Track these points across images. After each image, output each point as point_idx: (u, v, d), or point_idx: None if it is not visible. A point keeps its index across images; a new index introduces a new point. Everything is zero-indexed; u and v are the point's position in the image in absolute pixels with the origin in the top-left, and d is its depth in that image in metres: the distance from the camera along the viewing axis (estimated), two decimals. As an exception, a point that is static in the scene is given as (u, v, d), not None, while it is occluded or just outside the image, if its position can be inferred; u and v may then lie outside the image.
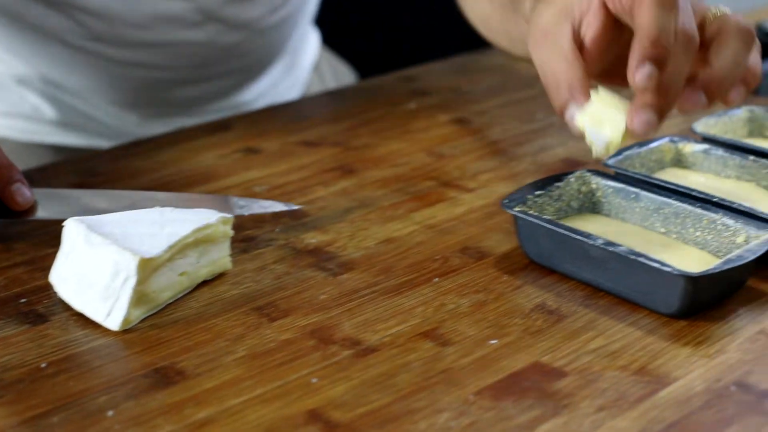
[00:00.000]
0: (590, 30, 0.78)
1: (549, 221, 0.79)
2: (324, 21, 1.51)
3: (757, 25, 1.38)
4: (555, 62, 0.78)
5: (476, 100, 1.18)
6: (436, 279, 0.81)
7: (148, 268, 0.75)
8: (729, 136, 0.97)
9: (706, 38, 0.78)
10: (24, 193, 0.86)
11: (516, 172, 0.99)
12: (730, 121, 0.98)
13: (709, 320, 0.74)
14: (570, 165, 1.00)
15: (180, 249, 0.78)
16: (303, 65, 1.44)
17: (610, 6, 0.77)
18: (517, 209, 0.81)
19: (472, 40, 1.19)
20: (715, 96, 0.76)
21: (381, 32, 1.82)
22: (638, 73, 0.72)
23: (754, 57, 0.78)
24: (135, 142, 1.10)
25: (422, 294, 0.79)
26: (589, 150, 0.77)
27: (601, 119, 0.76)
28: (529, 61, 0.84)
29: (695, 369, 0.69)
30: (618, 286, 0.76)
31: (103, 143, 1.26)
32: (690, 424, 0.64)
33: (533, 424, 0.64)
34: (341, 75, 1.53)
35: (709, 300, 0.75)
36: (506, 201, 0.81)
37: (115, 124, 1.28)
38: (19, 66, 1.22)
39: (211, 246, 0.81)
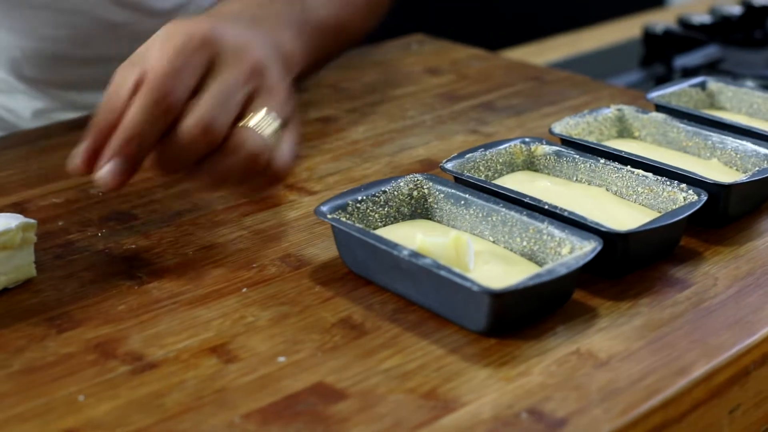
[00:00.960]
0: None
1: (359, 230, 0.74)
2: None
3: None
4: (105, 100, 0.78)
5: (351, 97, 1.13)
6: (245, 289, 0.76)
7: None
8: (594, 138, 0.92)
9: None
10: None
11: (367, 173, 0.94)
12: (595, 122, 0.92)
13: (520, 338, 0.69)
14: (427, 167, 0.95)
15: (-26, 254, 0.73)
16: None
17: None
18: (331, 216, 0.75)
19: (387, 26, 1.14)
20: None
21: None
22: (105, 167, 0.76)
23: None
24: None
25: (225, 305, 0.74)
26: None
27: None
28: None
29: (489, 393, 0.64)
30: (428, 300, 0.72)
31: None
32: (464, 455, 0.59)
33: (294, 451, 0.59)
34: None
35: (521, 316, 0.70)
36: (323, 207, 0.76)
37: (7, 116, 1.23)
38: None
39: (13, 252, 0.76)
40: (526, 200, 0.78)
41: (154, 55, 0.76)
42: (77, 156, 0.77)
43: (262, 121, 0.78)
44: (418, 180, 0.81)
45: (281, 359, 0.68)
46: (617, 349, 0.69)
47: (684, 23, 1.53)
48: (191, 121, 0.76)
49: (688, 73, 1.36)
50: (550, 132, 0.91)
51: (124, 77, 0.78)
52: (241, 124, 0.78)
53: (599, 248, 0.71)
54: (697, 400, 0.67)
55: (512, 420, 0.62)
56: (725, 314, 0.73)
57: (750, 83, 1.23)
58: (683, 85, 1.00)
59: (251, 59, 0.79)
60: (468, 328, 0.70)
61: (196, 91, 0.77)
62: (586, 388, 0.65)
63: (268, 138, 0.78)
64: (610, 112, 0.95)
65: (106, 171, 0.76)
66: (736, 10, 1.54)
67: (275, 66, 0.82)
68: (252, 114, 0.79)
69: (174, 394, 0.65)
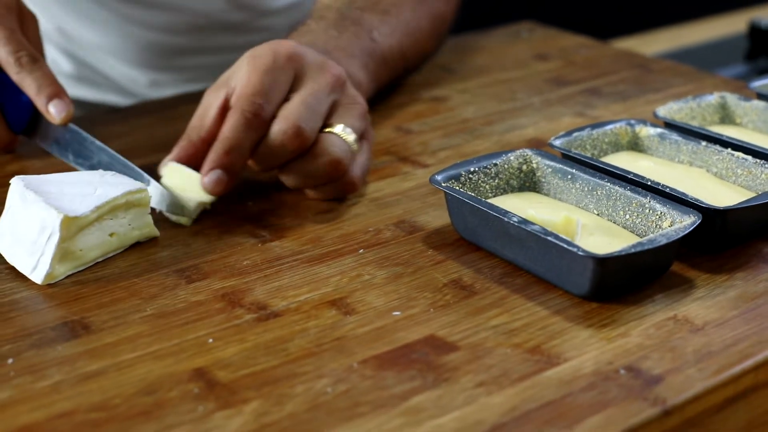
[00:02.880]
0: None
1: (471, 197, 0.78)
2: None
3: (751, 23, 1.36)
4: (196, 116, 0.87)
5: (461, 78, 1.18)
6: (362, 250, 0.81)
7: (72, 226, 0.77)
8: (696, 123, 0.95)
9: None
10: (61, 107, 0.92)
11: (477, 150, 0.99)
12: (698, 107, 0.96)
13: (621, 304, 0.74)
14: (535, 145, 0.99)
15: (109, 210, 0.79)
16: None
17: None
18: (446, 184, 0.80)
19: (473, 19, 1.19)
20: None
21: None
22: (208, 177, 0.83)
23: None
24: (113, 109, 1.11)
25: (343, 264, 0.79)
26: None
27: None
28: None
29: (590, 351, 0.69)
30: (534, 265, 0.76)
31: (119, 100, 1.29)
32: (565, 405, 0.64)
33: (407, 394, 0.64)
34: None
35: (623, 283, 0.74)
36: (437, 176, 0.81)
37: (127, 83, 1.30)
38: (39, 18, 1.25)
39: (145, 210, 0.82)
40: (629, 176, 0.82)
41: (244, 76, 0.85)
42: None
43: (344, 130, 0.85)
44: (527, 155, 0.85)
45: (396, 313, 0.73)
46: (712, 316, 0.72)
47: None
48: (284, 125, 0.84)
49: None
50: (654, 115, 0.94)
51: (212, 98, 0.87)
52: (327, 130, 0.85)
53: (698, 222, 0.75)
54: (787, 367, 0.70)
55: (612, 375, 0.66)
56: (817, 289, 0.76)
57: None
58: (786, 76, 1.04)
59: (333, 72, 0.87)
60: (572, 293, 0.74)
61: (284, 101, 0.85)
62: (681, 350, 0.69)
63: (350, 146, 0.85)
64: (713, 98, 0.98)
65: (209, 180, 0.83)
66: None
67: (350, 85, 0.89)
68: (335, 123, 0.86)
69: (296, 340, 0.70)
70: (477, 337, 0.70)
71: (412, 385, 0.65)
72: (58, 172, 0.83)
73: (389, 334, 0.70)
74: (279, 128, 0.84)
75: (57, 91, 0.93)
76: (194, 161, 0.85)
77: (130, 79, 1.30)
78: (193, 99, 0.93)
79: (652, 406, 0.63)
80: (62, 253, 0.76)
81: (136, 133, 1.04)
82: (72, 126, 0.92)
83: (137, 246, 0.81)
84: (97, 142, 0.90)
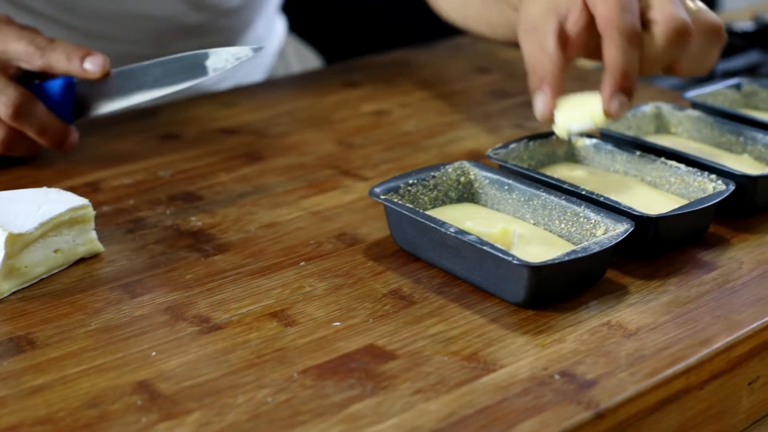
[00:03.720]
0: (575, 27, 0.88)
1: (410, 209, 0.80)
2: (292, 8, 1.53)
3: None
4: (538, 55, 0.89)
5: (403, 92, 1.20)
6: (303, 263, 0.82)
7: (17, 243, 0.78)
8: (632, 133, 0.97)
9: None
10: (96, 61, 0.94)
11: (418, 162, 1.01)
12: (633, 118, 0.98)
13: (556, 311, 0.75)
14: (474, 157, 1.01)
15: (54, 227, 0.80)
16: (268, 51, 1.46)
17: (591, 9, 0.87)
18: (384, 197, 0.82)
19: (415, 33, 1.20)
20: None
21: (349, 19, 1.84)
22: (613, 103, 0.86)
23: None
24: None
25: (284, 277, 0.80)
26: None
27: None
28: (509, 44, 1.00)
29: (526, 357, 0.70)
30: (471, 274, 0.78)
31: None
32: (501, 409, 0.65)
33: (346, 402, 0.66)
34: (307, 61, 1.55)
35: (557, 291, 0.76)
36: (377, 189, 0.82)
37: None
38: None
39: (89, 226, 0.83)
40: (564, 186, 0.84)
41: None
42: (541, 106, 0.89)
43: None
44: (465, 167, 0.87)
45: (336, 324, 0.74)
46: (645, 321, 0.74)
47: (727, 30, 1.58)
48: (666, 28, 0.87)
49: (729, 76, 1.41)
50: (591, 126, 0.96)
51: (545, 29, 0.90)
52: (694, 8, 0.90)
53: (631, 229, 0.77)
54: (718, 369, 0.72)
55: (546, 380, 0.68)
56: (748, 294, 0.78)
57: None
58: (719, 86, 1.06)
59: None
60: (508, 301, 0.76)
61: None
62: (614, 355, 0.71)
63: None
64: (648, 108, 1.00)
65: (615, 105, 0.86)
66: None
67: None
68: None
69: (238, 352, 0.71)
70: (415, 346, 0.71)
71: (351, 393, 0.66)
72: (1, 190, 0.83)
73: (329, 344, 0.71)
74: (663, 32, 0.87)
75: (85, 51, 0.94)
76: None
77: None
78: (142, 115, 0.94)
79: (586, 409, 0.65)
80: (7, 270, 0.77)
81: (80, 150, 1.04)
82: (112, 72, 0.95)
83: (82, 262, 0.83)
84: (142, 63, 0.93)
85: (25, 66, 0.95)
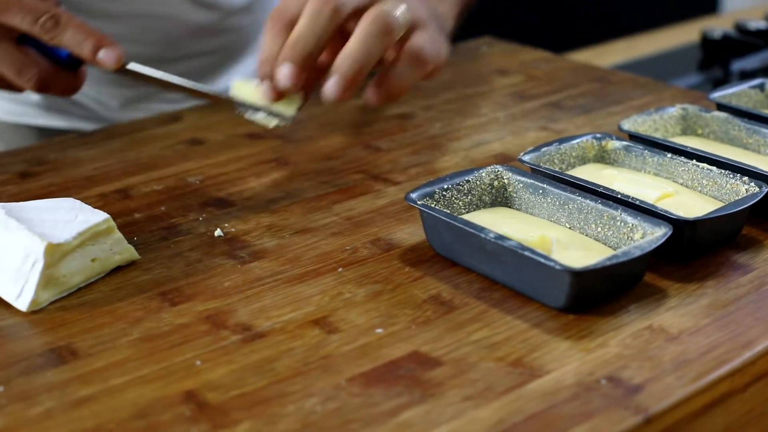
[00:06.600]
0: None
1: (447, 214, 0.80)
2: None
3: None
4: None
5: (426, 95, 1.20)
6: (340, 269, 0.82)
7: (56, 253, 0.78)
8: (659, 134, 0.98)
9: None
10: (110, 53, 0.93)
11: (446, 166, 1.01)
12: (660, 119, 0.98)
13: (597, 315, 0.75)
14: (502, 160, 1.01)
15: (91, 236, 0.80)
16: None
17: None
18: (421, 202, 0.82)
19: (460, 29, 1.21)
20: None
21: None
22: (281, 69, 0.87)
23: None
24: (81, 133, 1.12)
25: (323, 283, 0.80)
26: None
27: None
28: None
29: (571, 362, 0.70)
30: (511, 279, 0.78)
31: (88, 126, 1.29)
32: (550, 416, 0.65)
33: (396, 410, 0.66)
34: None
35: (598, 295, 0.76)
36: (412, 194, 0.83)
37: (97, 108, 1.31)
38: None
39: (122, 236, 0.83)
40: (600, 190, 0.84)
41: None
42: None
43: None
44: (498, 171, 0.87)
45: (379, 330, 0.74)
46: (686, 325, 0.75)
47: (741, 29, 1.58)
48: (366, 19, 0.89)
49: (745, 76, 1.42)
50: (619, 129, 0.97)
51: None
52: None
53: (669, 233, 0.77)
54: (761, 371, 0.72)
55: (593, 386, 0.68)
56: (786, 296, 0.78)
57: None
58: (743, 87, 1.06)
59: None
60: (549, 305, 0.76)
61: None
62: (659, 359, 0.71)
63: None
64: (674, 110, 1.01)
65: (283, 75, 0.87)
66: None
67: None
68: None
69: (283, 360, 0.71)
70: (460, 352, 0.71)
71: (400, 401, 0.67)
72: (33, 199, 0.83)
73: (374, 351, 0.72)
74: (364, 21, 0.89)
75: (98, 41, 0.92)
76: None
77: (101, 102, 1.30)
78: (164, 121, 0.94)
79: (635, 414, 0.65)
80: (46, 279, 0.78)
81: (107, 157, 1.04)
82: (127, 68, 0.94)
83: (118, 270, 0.83)
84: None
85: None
